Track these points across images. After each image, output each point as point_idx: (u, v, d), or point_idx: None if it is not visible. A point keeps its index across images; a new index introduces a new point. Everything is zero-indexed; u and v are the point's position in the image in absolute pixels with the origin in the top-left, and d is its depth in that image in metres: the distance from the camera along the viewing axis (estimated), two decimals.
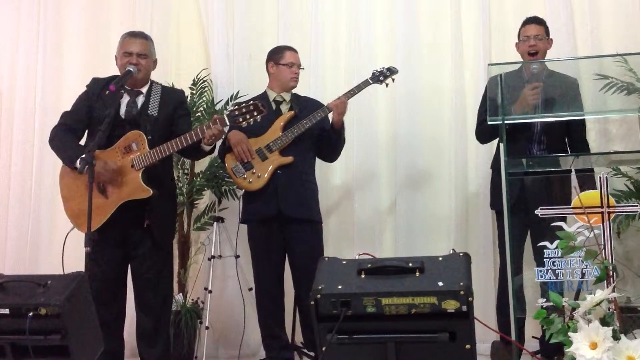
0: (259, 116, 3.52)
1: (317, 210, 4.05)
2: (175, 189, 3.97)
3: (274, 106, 4.07)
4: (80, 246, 3.10)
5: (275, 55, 4.14)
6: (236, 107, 3.57)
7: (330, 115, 4.02)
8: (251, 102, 3.56)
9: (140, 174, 3.49)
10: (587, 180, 3.67)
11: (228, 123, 3.53)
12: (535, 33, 3.92)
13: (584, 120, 3.95)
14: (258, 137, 3.96)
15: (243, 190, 4.06)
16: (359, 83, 4.09)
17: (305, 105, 4.09)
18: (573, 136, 3.94)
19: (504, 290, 3.73)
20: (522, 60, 3.94)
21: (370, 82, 4.08)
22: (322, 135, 4.05)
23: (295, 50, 4.17)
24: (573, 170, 3.61)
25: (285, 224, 3.92)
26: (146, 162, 3.49)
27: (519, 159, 3.40)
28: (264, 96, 4.11)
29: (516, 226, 3.38)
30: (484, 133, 4.00)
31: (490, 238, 4.50)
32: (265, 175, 3.90)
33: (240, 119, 3.51)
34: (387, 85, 4.14)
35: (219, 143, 3.92)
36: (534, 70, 3.73)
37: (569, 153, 3.90)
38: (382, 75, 4.09)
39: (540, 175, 3.48)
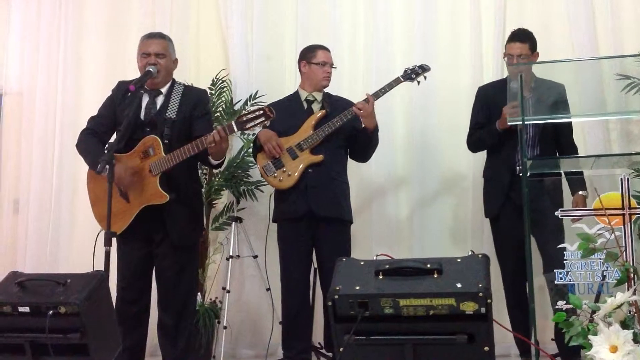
0: (267, 121, 3.48)
1: (348, 209, 4.01)
2: (199, 187, 3.93)
3: (305, 105, 4.04)
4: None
5: (308, 54, 4.07)
6: (245, 112, 3.55)
7: None
8: (261, 107, 3.52)
9: (157, 180, 3.50)
10: (578, 182, 3.74)
11: (236, 129, 3.48)
12: (517, 53, 3.83)
13: (571, 124, 3.91)
14: (289, 136, 3.94)
15: (274, 189, 4.04)
16: (390, 81, 3.98)
17: (336, 105, 4.02)
18: (562, 140, 3.90)
19: (512, 295, 3.86)
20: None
21: (402, 80, 3.99)
22: (353, 134, 4.00)
23: (327, 49, 4.10)
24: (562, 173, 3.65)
25: (315, 223, 3.89)
26: (162, 168, 3.49)
27: (540, 160, 3.36)
28: (295, 96, 4.10)
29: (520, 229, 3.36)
30: (475, 143, 4.02)
31: None
32: (296, 173, 3.88)
33: (248, 125, 3.47)
34: (418, 82, 4.04)
35: (231, 153, 3.86)
36: (514, 89, 3.57)
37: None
38: (414, 73, 4.00)
39: (537, 178, 3.41)
